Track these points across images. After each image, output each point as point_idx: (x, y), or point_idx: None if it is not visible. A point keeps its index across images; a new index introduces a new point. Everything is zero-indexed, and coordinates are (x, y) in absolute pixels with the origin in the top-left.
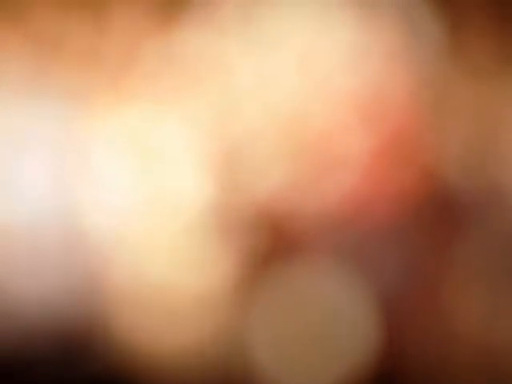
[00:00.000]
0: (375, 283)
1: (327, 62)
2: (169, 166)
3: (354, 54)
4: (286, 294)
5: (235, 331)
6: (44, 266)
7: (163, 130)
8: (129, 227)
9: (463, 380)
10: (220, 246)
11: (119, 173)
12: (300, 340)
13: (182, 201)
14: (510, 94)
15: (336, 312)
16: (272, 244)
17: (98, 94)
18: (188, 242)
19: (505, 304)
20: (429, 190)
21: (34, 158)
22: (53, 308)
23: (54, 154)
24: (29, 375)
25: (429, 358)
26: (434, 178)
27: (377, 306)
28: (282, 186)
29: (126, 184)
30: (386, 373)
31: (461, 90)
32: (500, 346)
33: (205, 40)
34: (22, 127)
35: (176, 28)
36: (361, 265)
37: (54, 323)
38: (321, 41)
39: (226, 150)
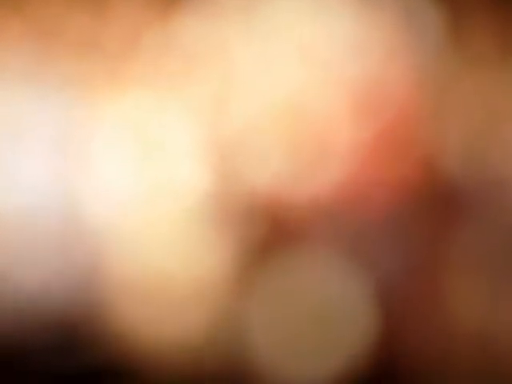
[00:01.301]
0: (373, 273)
1: (327, 52)
2: (168, 155)
3: (354, 45)
4: (284, 283)
5: (234, 320)
6: (43, 254)
7: (163, 118)
8: (128, 216)
9: (462, 371)
10: (218, 235)
11: (119, 162)
12: (298, 329)
13: (181, 190)
14: (510, 85)
15: (334, 301)
16: (270, 233)
17: (97, 82)
18: (187, 230)
19: (504, 295)
20: (428, 180)
21: (33, 147)
22: (51, 297)
23: (53, 143)
24: (27, 364)
25: (427, 347)
26: (433, 168)
27: (375, 295)
28: (281, 175)
29: (125, 173)
30: (383, 362)
31: (461, 81)
32: (499, 337)
33: (205, 28)
34: (22, 116)
35: (176, 16)
36: (359, 254)
37: (52, 312)
38: (321, 31)
39: (225, 139)
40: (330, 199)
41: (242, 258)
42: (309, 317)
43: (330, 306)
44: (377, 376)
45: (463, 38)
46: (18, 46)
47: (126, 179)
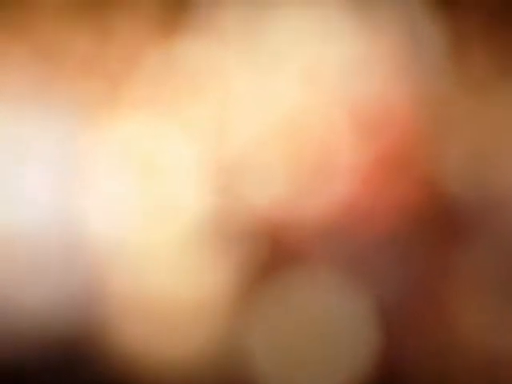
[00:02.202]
0: (375, 292)
1: (328, 72)
2: (170, 176)
3: (355, 65)
4: (284, 302)
5: (234, 339)
6: (45, 274)
7: (165, 139)
8: (129, 236)
9: None
10: (219, 255)
11: (120, 182)
12: (299, 348)
13: (182, 210)
14: (510, 105)
15: (335, 320)
16: (271, 253)
17: (100, 103)
18: (187, 250)
19: (506, 313)
20: (429, 200)
21: (36, 167)
22: (53, 316)
23: (55, 163)
24: (28, 382)
25: (428, 365)
26: (434, 188)
27: (376, 315)
28: (282, 195)
29: (126, 193)
30: (385, 380)
31: (461, 100)
32: (501, 355)
33: (206, 50)
34: (25, 137)
35: (178, 39)
36: (360, 274)
37: (54, 331)
38: (322, 51)
39: (225, 160)
40: (331, 219)
41: (243, 278)
42: (310, 336)
43: (331, 325)
44: None
45: (463, 59)
46: (21, 68)
47: (128, 199)
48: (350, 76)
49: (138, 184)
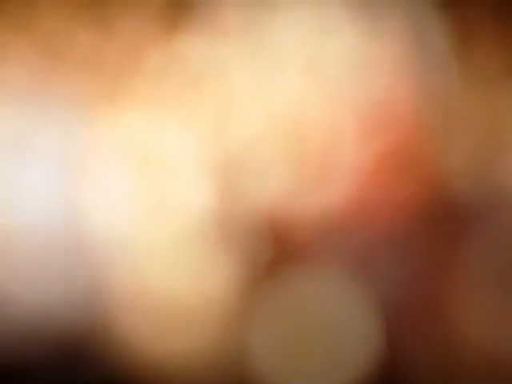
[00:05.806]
0: (378, 291)
1: (331, 68)
2: (170, 173)
3: (358, 62)
4: (287, 301)
5: (237, 337)
6: (46, 270)
7: (165, 136)
8: (131, 234)
9: None
10: (221, 253)
11: (121, 179)
12: (302, 347)
13: (184, 207)
14: None
15: (338, 318)
16: (274, 251)
17: (100, 100)
18: (189, 247)
19: (509, 312)
20: (432, 197)
21: (37, 163)
22: (54, 312)
23: (57, 160)
24: (29, 379)
25: (432, 364)
26: (438, 185)
27: (379, 313)
28: (284, 193)
29: (128, 190)
30: (387, 379)
31: (467, 98)
32: (504, 354)
33: (208, 48)
34: (26, 133)
35: (180, 36)
36: (363, 272)
37: (55, 327)
38: (325, 47)
39: (227, 157)
40: (334, 217)
41: (246, 275)
42: (313, 334)
43: (334, 323)
44: None
45: (468, 55)
46: (22, 64)
47: (129, 195)
48: (354, 73)
49: (139, 180)
